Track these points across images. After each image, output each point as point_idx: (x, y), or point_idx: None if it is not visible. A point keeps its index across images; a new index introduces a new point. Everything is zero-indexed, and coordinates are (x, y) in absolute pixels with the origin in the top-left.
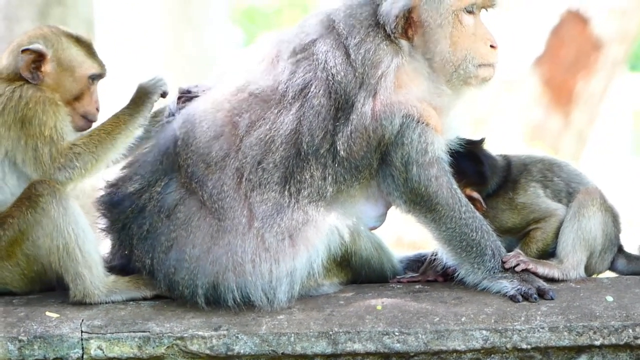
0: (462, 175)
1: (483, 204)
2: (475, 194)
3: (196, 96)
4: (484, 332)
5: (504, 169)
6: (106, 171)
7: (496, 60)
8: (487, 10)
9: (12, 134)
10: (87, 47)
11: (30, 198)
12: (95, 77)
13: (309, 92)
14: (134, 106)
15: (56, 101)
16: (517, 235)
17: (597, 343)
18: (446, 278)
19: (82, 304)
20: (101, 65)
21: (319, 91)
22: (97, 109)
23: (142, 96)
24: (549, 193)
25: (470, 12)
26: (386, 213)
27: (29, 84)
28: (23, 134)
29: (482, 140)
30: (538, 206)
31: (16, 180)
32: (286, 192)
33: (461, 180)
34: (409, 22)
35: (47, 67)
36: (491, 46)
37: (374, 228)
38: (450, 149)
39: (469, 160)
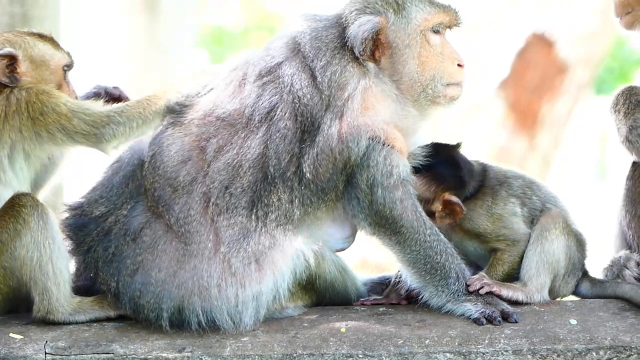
0: (441, 180)
1: (462, 207)
2: (455, 198)
3: (116, 97)
4: (448, 354)
5: (480, 174)
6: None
7: (463, 78)
8: (451, 29)
9: (26, 134)
10: (50, 40)
11: (13, 208)
12: (67, 67)
13: (275, 115)
14: (161, 93)
15: (51, 87)
16: (481, 245)
17: None
18: (410, 301)
19: (44, 321)
20: (69, 55)
21: (285, 114)
22: (76, 97)
23: (162, 94)
24: (525, 212)
25: (436, 32)
26: (354, 235)
27: (15, 87)
28: (40, 128)
29: (458, 145)
30: (511, 224)
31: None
32: (253, 216)
33: (440, 185)
34: (376, 44)
35: (22, 67)
36: (458, 65)
37: (342, 249)
38: (427, 156)
39: (446, 165)
